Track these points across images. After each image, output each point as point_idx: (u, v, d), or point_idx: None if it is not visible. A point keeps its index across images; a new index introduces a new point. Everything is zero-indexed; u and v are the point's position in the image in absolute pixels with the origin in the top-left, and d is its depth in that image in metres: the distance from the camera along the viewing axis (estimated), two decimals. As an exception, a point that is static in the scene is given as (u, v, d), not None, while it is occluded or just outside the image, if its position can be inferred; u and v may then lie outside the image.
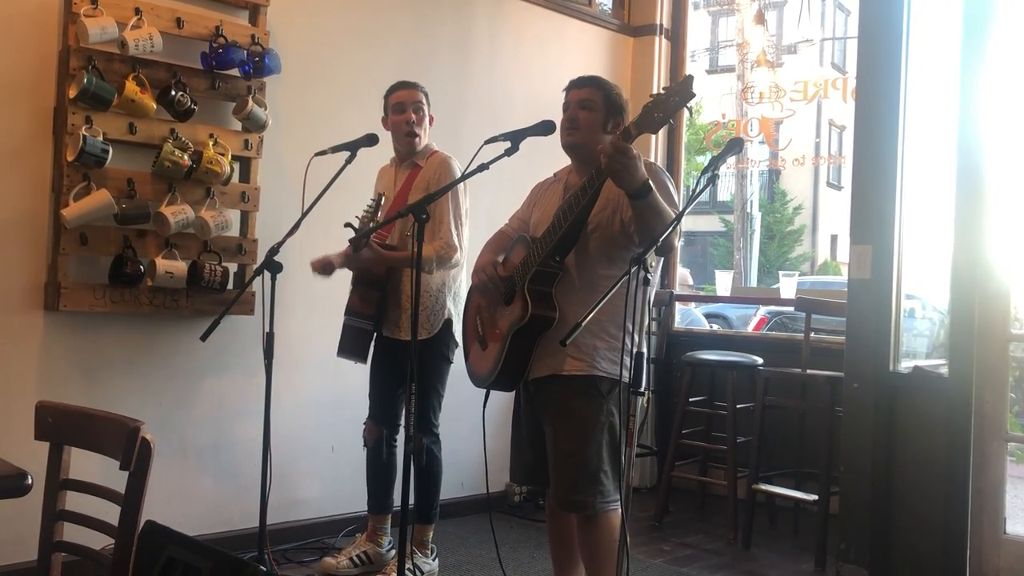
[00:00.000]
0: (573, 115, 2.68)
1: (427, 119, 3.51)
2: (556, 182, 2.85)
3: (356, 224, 3.35)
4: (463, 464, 4.19)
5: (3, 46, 3.12)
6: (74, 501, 1.84)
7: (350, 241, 3.31)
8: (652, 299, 3.10)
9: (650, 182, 2.38)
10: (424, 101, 3.49)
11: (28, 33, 3.17)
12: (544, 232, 2.62)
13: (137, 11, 3.27)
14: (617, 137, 2.38)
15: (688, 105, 2.29)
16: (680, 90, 2.31)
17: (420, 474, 3.37)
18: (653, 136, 5.11)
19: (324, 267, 3.47)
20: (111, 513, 1.70)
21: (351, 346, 3.47)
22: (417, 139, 3.47)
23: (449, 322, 3.45)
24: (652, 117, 2.32)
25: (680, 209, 2.55)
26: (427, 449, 3.35)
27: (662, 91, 2.34)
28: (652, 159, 5.03)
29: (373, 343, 3.49)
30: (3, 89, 3.13)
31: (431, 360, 3.41)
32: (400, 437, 3.52)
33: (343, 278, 3.55)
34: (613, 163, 2.33)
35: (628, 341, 2.50)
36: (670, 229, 2.33)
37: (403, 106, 3.45)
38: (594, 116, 2.66)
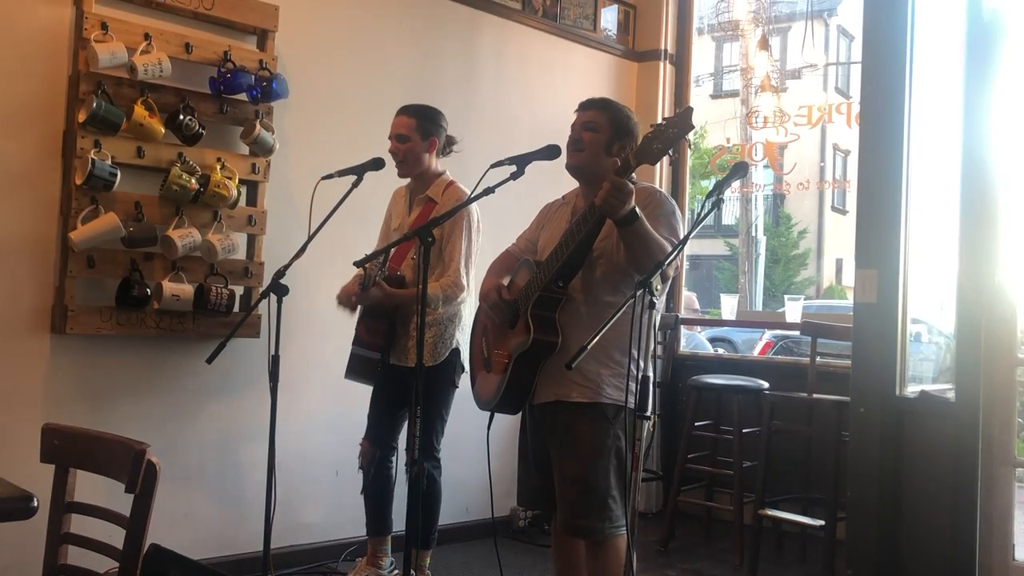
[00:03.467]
0: (577, 136, 2.69)
1: (417, 144, 3.42)
2: (564, 204, 2.85)
3: (367, 265, 3.30)
4: (468, 488, 4.17)
5: (14, 70, 3.16)
6: (78, 524, 1.84)
7: (361, 287, 3.30)
8: (658, 323, 3.10)
9: (636, 210, 2.38)
10: (413, 127, 3.42)
11: (39, 58, 3.21)
12: (548, 257, 2.62)
13: (146, 36, 3.31)
14: (613, 173, 2.37)
15: (687, 137, 2.31)
16: (679, 122, 2.32)
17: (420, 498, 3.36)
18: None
19: (348, 300, 3.45)
20: (116, 536, 1.70)
21: (359, 369, 3.46)
22: (403, 167, 3.46)
23: (456, 351, 3.45)
24: (651, 148, 2.34)
25: (684, 234, 2.56)
26: (427, 473, 3.32)
27: (662, 122, 2.36)
28: (657, 183, 5.04)
29: (380, 370, 3.47)
30: (14, 113, 3.16)
31: (437, 385, 3.40)
32: (397, 459, 3.52)
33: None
34: (610, 199, 2.33)
35: (633, 367, 2.50)
36: (674, 254, 2.33)
37: (391, 135, 3.47)
38: (597, 138, 2.67)
